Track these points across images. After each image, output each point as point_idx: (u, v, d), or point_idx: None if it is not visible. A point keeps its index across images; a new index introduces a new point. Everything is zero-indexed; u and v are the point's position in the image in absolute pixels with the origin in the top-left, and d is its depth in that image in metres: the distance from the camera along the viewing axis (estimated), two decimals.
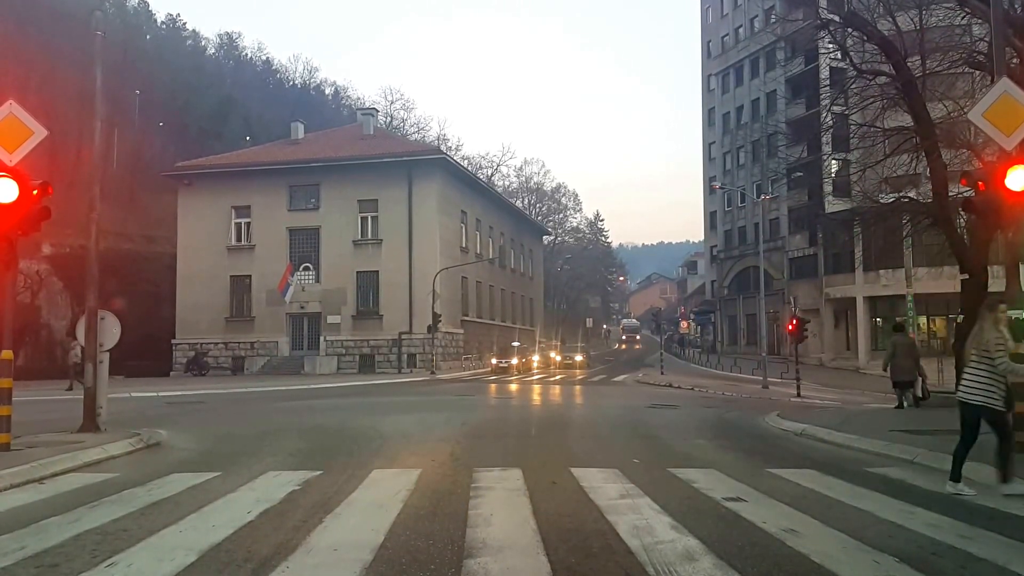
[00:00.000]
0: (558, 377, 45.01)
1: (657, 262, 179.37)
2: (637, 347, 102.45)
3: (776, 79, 62.80)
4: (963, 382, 8.45)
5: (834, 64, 33.49)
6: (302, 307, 48.23)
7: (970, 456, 8.37)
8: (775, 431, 14.86)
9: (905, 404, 18.99)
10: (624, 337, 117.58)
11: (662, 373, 45.28)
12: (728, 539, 6.03)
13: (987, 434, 9.99)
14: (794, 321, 32.27)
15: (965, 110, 15.70)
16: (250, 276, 49.48)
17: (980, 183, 10.25)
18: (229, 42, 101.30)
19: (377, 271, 48.42)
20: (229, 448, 12.03)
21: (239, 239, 50.45)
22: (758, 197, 66.17)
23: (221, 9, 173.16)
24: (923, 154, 20.79)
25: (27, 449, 10.50)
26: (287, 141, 57.09)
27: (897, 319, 34.17)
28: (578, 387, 33.86)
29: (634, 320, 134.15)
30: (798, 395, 30.22)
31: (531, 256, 74.98)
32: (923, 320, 51.99)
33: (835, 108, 25.26)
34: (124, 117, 55.56)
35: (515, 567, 5.31)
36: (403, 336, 47.44)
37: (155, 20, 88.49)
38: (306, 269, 49.00)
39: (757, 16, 72.89)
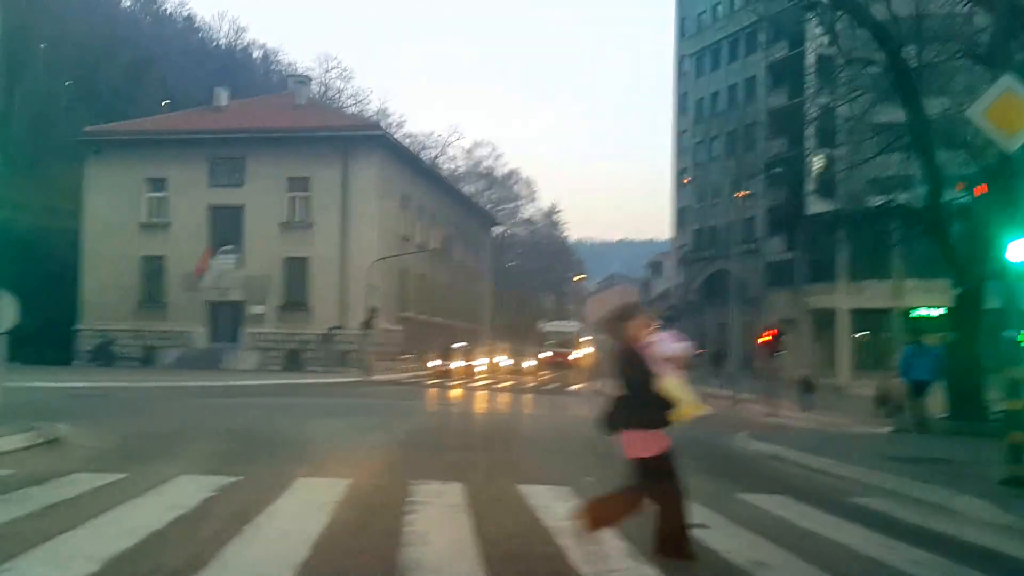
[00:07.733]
0: (507, 383, 45.06)
1: (619, 261, 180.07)
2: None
3: (757, 64, 63.23)
4: None
5: (821, 51, 33.74)
6: (222, 294, 47.72)
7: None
8: (745, 453, 14.96)
9: None
10: (549, 353, 67.21)
11: None
12: (689, 569, 6.06)
13: (991, 465, 10.16)
14: (768, 333, 32.54)
15: (964, 107, 15.93)
16: (164, 257, 48.82)
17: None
18: None
19: (307, 257, 48.00)
20: (138, 447, 11.97)
21: (153, 215, 49.81)
22: (733, 194, 66.57)
23: None
24: (917, 154, 21.04)
25: None
26: (209, 108, 56.35)
27: None
28: (528, 395, 33.88)
29: (569, 323, 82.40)
30: (772, 414, 30.51)
31: (478, 249, 74.96)
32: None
33: (820, 99, 25.51)
34: (26, 73, 54.60)
35: None
36: (334, 332, 47.12)
37: None
38: (227, 253, 48.35)
39: None
